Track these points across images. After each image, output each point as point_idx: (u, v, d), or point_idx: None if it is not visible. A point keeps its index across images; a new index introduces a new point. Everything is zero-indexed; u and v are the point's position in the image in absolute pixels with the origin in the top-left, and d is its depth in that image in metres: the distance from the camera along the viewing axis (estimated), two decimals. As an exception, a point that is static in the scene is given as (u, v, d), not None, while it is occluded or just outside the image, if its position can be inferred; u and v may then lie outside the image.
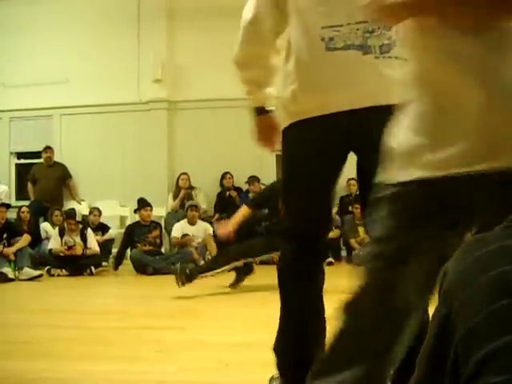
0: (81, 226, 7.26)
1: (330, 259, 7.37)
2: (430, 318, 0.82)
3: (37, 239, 7.57)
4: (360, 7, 1.48)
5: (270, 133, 1.98)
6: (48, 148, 9.14)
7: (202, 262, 7.18)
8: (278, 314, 1.97)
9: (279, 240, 2.02)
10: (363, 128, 1.67)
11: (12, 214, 7.79)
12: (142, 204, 7.63)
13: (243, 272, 5.34)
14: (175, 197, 8.66)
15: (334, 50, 1.65)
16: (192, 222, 7.63)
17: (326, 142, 1.76)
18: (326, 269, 1.98)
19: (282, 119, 1.87)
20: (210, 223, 7.98)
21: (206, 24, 9.22)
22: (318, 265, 1.96)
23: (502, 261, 0.73)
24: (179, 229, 7.56)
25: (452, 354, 0.73)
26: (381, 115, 1.54)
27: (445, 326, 0.76)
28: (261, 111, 1.99)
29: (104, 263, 7.38)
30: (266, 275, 6.17)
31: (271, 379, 2.05)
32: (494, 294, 0.70)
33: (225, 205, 8.61)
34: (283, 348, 1.94)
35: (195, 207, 7.74)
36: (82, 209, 8.72)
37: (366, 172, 1.76)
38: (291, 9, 1.75)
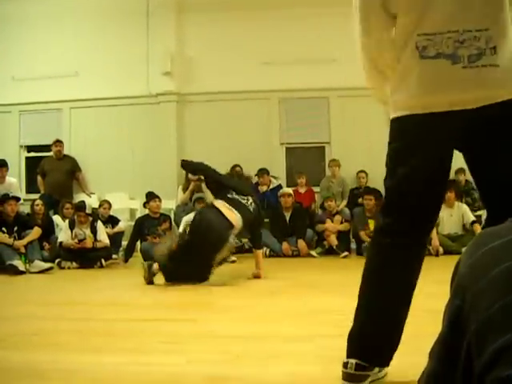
0: (91, 218, 7.28)
1: (346, 253, 7.37)
2: (443, 311, 0.81)
3: (50, 232, 7.59)
4: (451, 15, 1.72)
5: None
6: (58, 141, 9.17)
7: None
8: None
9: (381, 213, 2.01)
10: (465, 128, 1.79)
11: (23, 207, 7.83)
12: (151, 196, 7.64)
13: None
14: (185, 189, 8.66)
15: (426, 59, 1.78)
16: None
17: (427, 138, 1.84)
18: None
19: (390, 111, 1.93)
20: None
21: (215, 17, 9.21)
22: (421, 239, 1.96)
23: (515, 253, 0.72)
24: (186, 222, 7.51)
25: (465, 346, 0.73)
26: (476, 116, 1.75)
27: (458, 319, 0.76)
28: None
29: (114, 256, 7.41)
30: (276, 267, 6.19)
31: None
32: (507, 286, 0.69)
33: (234, 197, 8.60)
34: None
35: (202, 200, 7.73)
36: (92, 201, 8.75)
37: (479, 169, 1.88)
38: (394, 10, 1.83)
